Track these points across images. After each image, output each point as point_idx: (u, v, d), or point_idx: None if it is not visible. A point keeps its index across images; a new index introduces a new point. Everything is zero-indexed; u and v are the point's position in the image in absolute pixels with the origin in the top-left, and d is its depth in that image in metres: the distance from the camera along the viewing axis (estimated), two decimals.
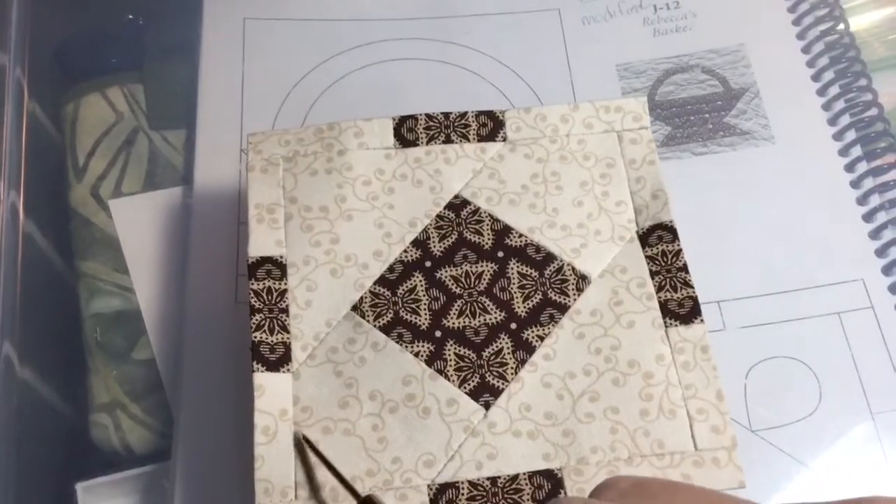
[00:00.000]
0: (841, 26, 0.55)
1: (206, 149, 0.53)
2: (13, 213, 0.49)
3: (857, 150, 0.52)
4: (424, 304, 0.42)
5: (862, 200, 0.51)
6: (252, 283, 0.42)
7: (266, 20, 0.57)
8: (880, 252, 0.49)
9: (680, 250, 0.43)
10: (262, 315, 0.42)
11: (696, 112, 0.54)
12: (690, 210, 0.47)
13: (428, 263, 0.43)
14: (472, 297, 0.43)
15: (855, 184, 0.51)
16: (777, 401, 0.46)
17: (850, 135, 0.52)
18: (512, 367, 0.41)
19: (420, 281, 0.43)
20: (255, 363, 0.41)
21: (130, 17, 0.58)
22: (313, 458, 0.39)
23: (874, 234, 0.50)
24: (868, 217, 0.50)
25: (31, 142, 0.52)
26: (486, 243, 0.44)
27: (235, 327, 0.47)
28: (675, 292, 0.42)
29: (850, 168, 0.52)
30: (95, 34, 0.58)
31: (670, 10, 0.58)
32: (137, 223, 0.52)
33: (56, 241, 0.52)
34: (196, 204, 0.52)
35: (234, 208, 0.51)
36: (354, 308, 0.42)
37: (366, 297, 0.43)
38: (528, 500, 0.38)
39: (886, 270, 0.49)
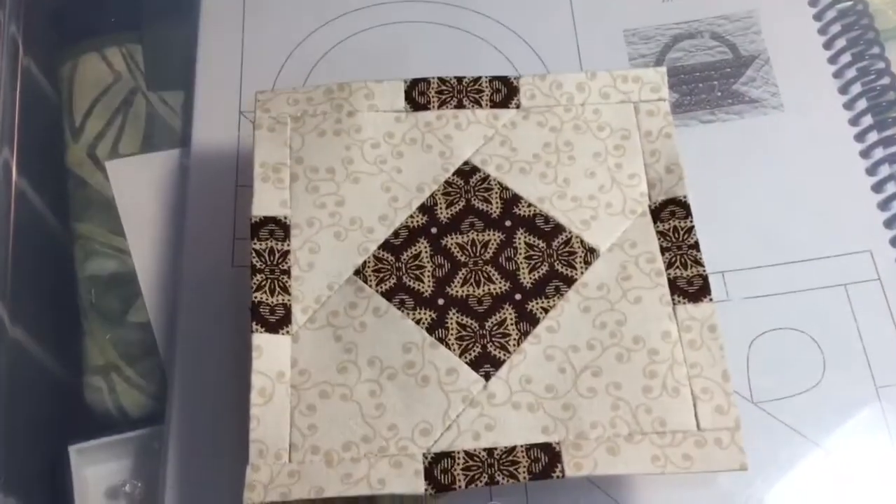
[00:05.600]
0: None
1: (204, 111, 0.53)
2: (6, 171, 0.49)
3: (867, 120, 0.51)
4: (428, 270, 0.42)
5: (872, 171, 0.50)
6: (254, 243, 0.42)
7: None
8: (889, 223, 0.49)
9: (692, 227, 0.43)
10: (262, 275, 0.41)
11: (705, 79, 0.53)
12: (696, 178, 0.46)
13: (434, 230, 0.43)
14: (478, 266, 0.42)
15: (865, 153, 0.50)
16: (780, 373, 0.46)
17: (861, 104, 0.51)
18: (514, 339, 0.40)
19: (425, 247, 0.42)
20: (253, 324, 0.40)
21: None
22: (309, 422, 0.39)
23: (883, 205, 0.49)
24: (877, 188, 0.50)
25: (25, 99, 0.52)
26: (494, 212, 0.43)
27: (232, 291, 0.47)
28: (685, 270, 0.42)
29: (860, 137, 0.51)
30: None
31: None
32: (134, 185, 0.52)
33: (51, 200, 0.52)
34: (194, 166, 0.51)
35: (232, 171, 0.51)
36: (357, 272, 0.42)
37: (369, 262, 0.42)
38: (524, 472, 0.38)
39: (895, 242, 0.48)
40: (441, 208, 0.43)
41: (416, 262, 0.42)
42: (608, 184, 0.44)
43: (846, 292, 0.47)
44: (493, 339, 0.40)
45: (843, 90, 0.52)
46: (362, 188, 0.43)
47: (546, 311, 0.41)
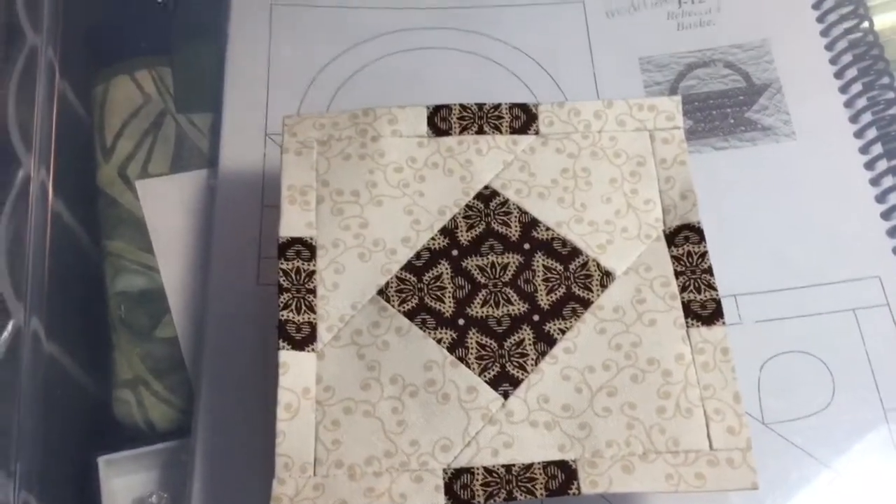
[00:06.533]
0: (865, 24, 0.55)
1: (231, 132, 0.54)
2: (42, 192, 0.50)
3: (877, 148, 0.52)
4: (449, 291, 0.43)
5: (881, 198, 0.51)
6: (281, 263, 0.43)
7: (293, 6, 0.58)
8: None
9: (706, 252, 0.43)
10: (289, 294, 0.42)
11: (718, 107, 0.54)
12: (710, 204, 0.47)
13: (455, 252, 0.44)
14: (497, 288, 0.43)
15: (875, 181, 0.51)
16: (790, 395, 0.46)
17: (871, 132, 0.52)
18: (532, 359, 0.41)
19: (446, 269, 0.43)
20: (280, 341, 0.41)
21: (160, 1, 0.59)
22: (333, 437, 0.40)
23: (892, 232, 0.50)
24: (886, 215, 0.50)
25: (61, 122, 0.53)
26: (514, 235, 0.44)
27: (257, 308, 0.48)
28: (699, 293, 0.43)
29: (870, 165, 0.52)
30: (126, 18, 0.59)
31: (694, 3, 0.58)
32: (163, 204, 0.53)
33: (84, 219, 0.53)
34: (221, 186, 0.52)
35: (259, 191, 0.52)
36: (380, 292, 0.43)
37: (392, 282, 0.43)
38: (541, 489, 0.38)
39: None
40: (462, 231, 0.44)
41: (438, 283, 0.43)
42: (624, 209, 0.45)
43: (855, 317, 0.48)
44: (512, 358, 0.41)
45: (854, 119, 0.53)
46: (385, 211, 0.44)
47: (563, 332, 0.42)
